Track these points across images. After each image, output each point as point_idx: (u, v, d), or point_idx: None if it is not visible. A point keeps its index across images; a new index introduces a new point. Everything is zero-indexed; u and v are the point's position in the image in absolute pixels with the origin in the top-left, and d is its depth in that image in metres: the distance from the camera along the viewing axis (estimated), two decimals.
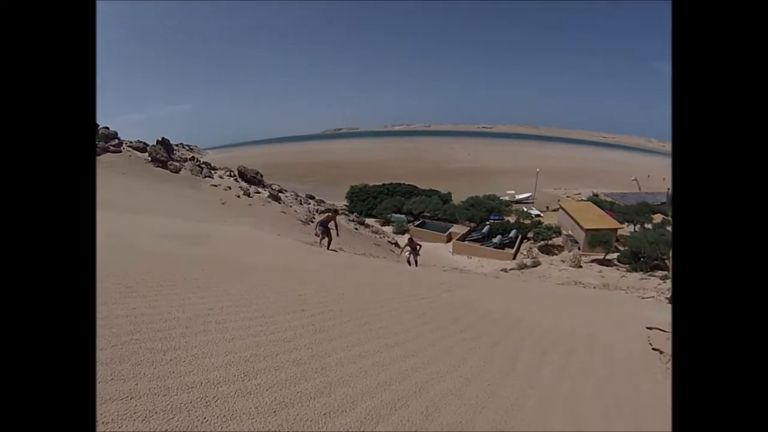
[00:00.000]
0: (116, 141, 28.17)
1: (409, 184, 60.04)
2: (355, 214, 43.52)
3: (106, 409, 1.92)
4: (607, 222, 40.98)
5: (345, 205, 51.68)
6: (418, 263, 14.57)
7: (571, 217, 43.31)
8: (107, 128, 28.77)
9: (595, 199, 57.15)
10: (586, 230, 39.10)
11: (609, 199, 59.89)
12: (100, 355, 2.40)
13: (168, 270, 4.76)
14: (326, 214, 14.67)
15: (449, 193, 57.26)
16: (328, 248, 12.71)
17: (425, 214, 50.75)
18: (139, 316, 3.13)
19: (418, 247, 14.88)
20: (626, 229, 42.01)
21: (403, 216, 49.04)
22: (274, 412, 2.20)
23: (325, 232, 12.82)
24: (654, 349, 4.72)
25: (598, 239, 37.18)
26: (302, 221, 23.09)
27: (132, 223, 10.64)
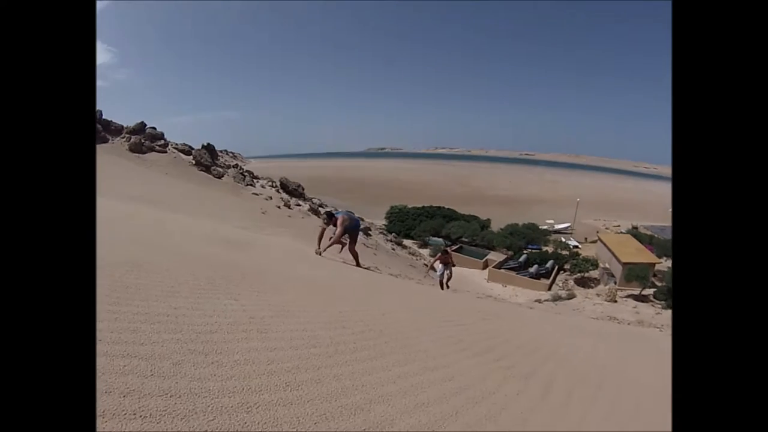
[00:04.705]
0: (162, 141, 29.13)
1: (448, 208, 60.01)
2: (393, 234, 43.55)
3: (144, 404, 1.90)
4: (645, 256, 39.98)
5: (383, 225, 51.83)
6: (449, 284, 13.41)
7: (609, 250, 42.58)
8: (154, 128, 29.89)
9: (634, 232, 55.81)
10: (624, 264, 38.25)
11: (648, 233, 58.25)
12: (140, 350, 2.40)
13: (209, 273, 4.79)
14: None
15: (488, 220, 56.97)
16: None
17: (463, 239, 50.51)
18: (180, 316, 3.13)
19: (450, 263, 13.59)
20: (664, 264, 40.78)
21: (440, 239, 48.96)
22: (315, 423, 2.17)
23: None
24: None
25: (635, 274, 36.36)
26: None
27: (173, 222, 10.94)
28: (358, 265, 11.00)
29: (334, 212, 11.14)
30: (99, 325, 2.57)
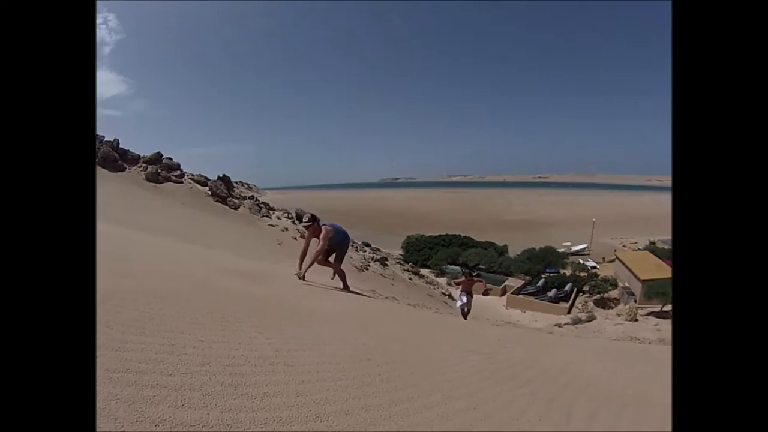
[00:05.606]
0: (178, 172, 29.51)
1: (465, 236, 59.87)
2: (410, 264, 43.44)
3: None
4: (664, 271, 39.20)
5: (400, 254, 51.75)
6: (469, 312, 11.91)
7: (628, 268, 42.07)
8: (170, 159, 30.29)
9: (651, 248, 54.89)
10: (643, 281, 37.67)
11: (666, 247, 57.24)
12: (169, 381, 2.45)
13: (232, 306, 4.83)
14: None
15: (505, 246, 56.69)
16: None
17: (481, 266, 50.22)
18: (206, 348, 3.17)
19: (472, 290, 12.00)
20: None
21: (458, 268, 48.75)
22: None
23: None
24: None
25: (655, 290, 35.69)
26: (357, 268, 23.11)
27: (191, 253, 11.09)
28: (346, 287, 9.35)
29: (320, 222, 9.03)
30: (125, 355, 2.63)
